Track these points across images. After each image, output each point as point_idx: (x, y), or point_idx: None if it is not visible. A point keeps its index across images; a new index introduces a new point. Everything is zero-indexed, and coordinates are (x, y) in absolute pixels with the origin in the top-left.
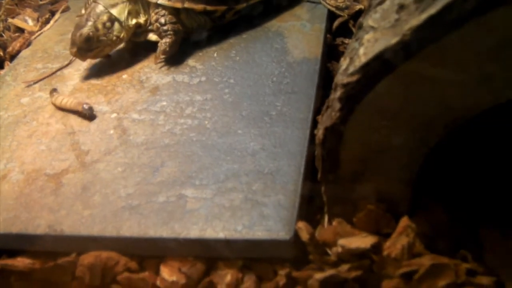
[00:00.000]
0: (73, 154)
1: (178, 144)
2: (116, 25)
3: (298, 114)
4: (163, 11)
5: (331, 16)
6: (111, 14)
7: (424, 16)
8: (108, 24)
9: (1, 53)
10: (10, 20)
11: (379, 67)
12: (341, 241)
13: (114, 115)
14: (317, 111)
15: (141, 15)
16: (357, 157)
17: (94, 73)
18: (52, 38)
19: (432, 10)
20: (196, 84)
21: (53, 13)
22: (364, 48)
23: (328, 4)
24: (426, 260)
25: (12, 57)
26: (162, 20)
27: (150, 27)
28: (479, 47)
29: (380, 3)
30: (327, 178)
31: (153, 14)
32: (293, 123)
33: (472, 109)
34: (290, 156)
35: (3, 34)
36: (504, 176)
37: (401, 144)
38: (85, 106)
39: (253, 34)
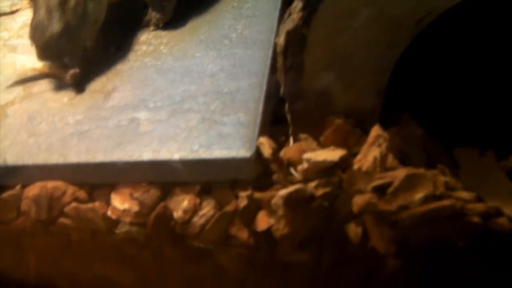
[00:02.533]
0: (20, 87)
1: (132, 69)
2: (93, 5)
3: (260, 36)
4: None
5: None
6: None
7: None
8: (81, 7)
9: None
10: None
11: None
12: (307, 155)
13: None
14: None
15: None
16: (322, 66)
17: None
18: None
19: None
20: None
21: None
22: None
23: None
24: (401, 173)
25: None
26: None
27: None
28: None
29: None
30: (291, 91)
31: None
32: (254, 44)
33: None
34: (250, 76)
35: None
36: (483, 89)
37: (368, 47)
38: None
39: None
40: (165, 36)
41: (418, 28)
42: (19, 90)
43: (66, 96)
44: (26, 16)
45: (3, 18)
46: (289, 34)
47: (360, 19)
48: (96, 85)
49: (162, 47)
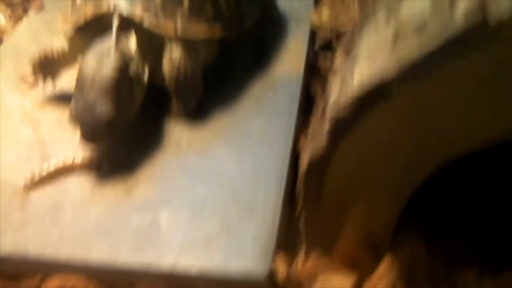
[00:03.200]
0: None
1: (152, 163)
2: (137, 86)
3: (279, 137)
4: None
5: (314, 31)
6: (132, 74)
7: (424, 49)
8: (130, 91)
9: None
10: None
11: (372, 99)
12: (320, 281)
13: None
14: (298, 134)
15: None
16: (342, 190)
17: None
18: (24, 38)
19: (432, 44)
20: None
21: (26, 11)
22: (357, 78)
23: (312, 19)
24: None
25: None
26: (180, 62)
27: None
28: (477, 79)
29: (374, 30)
30: (308, 210)
31: (167, 53)
32: (273, 146)
33: (466, 144)
34: (269, 184)
35: None
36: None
37: (389, 178)
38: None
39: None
40: (186, 128)
41: (436, 166)
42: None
43: (88, 186)
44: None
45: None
46: (312, 160)
47: (381, 154)
48: (118, 177)
49: (183, 140)
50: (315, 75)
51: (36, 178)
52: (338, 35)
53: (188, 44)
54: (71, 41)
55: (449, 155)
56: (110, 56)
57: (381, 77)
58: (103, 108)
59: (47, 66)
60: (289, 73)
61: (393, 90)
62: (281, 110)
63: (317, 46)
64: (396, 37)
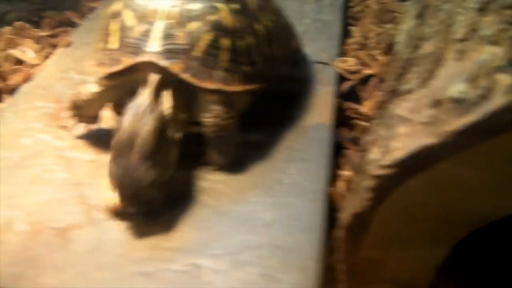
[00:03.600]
0: (81, 208)
1: (190, 208)
2: (174, 144)
3: (311, 185)
4: (217, 104)
5: (339, 79)
6: (170, 136)
7: (464, 121)
8: (168, 149)
9: (1, 85)
10: (10, 51)
11: (413, 164)
12: None
13: None
14: (330, 181)
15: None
16: (380, 243)
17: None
18: (53, 74)
19: (472, 117)
20: None
21: (54, 47)
22: (399, 142)
23: (338, 67)
24: None
25: (12, 90)
26: (219, 115)
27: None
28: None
29: (408, 92)
30: (348, 259)
31: (205, 110)
32: (307, 194)
33: (499, 212)
34: (305, 231)
35: (2, 65)
36: None
37: (426, 236)
38: None
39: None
40: (221, 175)
41: (473, 228)
42: (80, 213)
43: (128, 228)
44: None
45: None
46: (354, 215)
47: (421, 214)
48: (157, 220)
49: (217, 186)
50: (341, 122)
51: None
52: (363, 82)
53: (225, 96)
54: (102, 85)
55: (485, 220)
56: (147, 119)
57: (421, 148)
58: (144, 172)
59: (79, 109)
60: (318, 120)
61: (433, 161)
62: (312, 158)
63: (342, 93)
64: (435, 104)
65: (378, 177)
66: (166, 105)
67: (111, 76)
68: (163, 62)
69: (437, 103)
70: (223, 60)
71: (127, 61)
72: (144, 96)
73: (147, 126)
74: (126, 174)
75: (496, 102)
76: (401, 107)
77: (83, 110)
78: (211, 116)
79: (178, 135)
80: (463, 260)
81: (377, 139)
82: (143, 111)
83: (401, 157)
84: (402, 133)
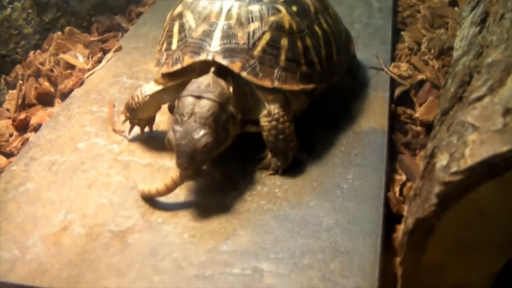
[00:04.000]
0: (138, 212)
1: (249, 212)
2: (232, 123)
3: (370, 190)
4: (275, 105)
5: (392, 83)
6: (227, 111)
7: None
8: (226, 125)
9: (52, 90)
10: (61, 55)
11: (484, 171)
12: None
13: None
14: (387, 186)
15: (243, 100)
16: (443, 249)
17: (157, 127)
18: (105, 79)
19: None
20: None
21: (104, 52)
22: (470, 149)
23: (391, 72)
24: None
25: (64, 95)
26: (278, 117)
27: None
28: None
29: (477, 99)
30: (408, 265)
31: (265, 109)
32: (365, 199)
33: None
34: (365, 235)
35: (54, 70)
36: None
37: (491, 242)
38: None
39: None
40: (279, 179)
41: None
42: (137, 216)
43: (186, 232)
44: (135, 131)
45: (110, 128)
46: (418, 221)
47: (489, 220)
48: (215, 223)
49: (276, 190)
50: (395, 127)
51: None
52: (416, 88)
53: (283, 96)
54: (161, 84)
55: None
56: (208, 92)
57: (493, 156)
58: (201, 135)
59: (134, 112)
60: (373, 125)
61: (504, 169)
62: (369, 163)
63: (396, 98)
64: (506, 112)
65: (447, 183)
66: (227, 87)
67: (172, 75)
68: (223, 61)
69: (509, 112)
70: (282, 60)
71: (188, 60)
72: (205, 76)
73: (208, 95)
74: (184, 137)
75: None
76: (471, 115)
77: (138, 113)
78: (269, 118)
79: (236, 115)
80: None
81: (445, 146)
82: (205, 86)
83: (472, 164)
84: (473, 140)
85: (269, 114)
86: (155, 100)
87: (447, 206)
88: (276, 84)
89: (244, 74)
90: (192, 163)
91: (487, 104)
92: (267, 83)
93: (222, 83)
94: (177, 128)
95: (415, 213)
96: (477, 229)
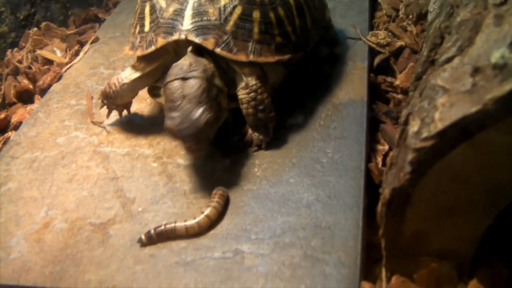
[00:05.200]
0: (118, 202)
1: (229, 194)
2: (222, 96)
3: (350, 162)
4: (252, 78)
5: (371, 52)
6: (215, 85)
7: (507, 87)
8: (218, 98)
9: (31, 87)
10: (38, 51)
11: (455, 134)
12: None
13: (158, 159)
14: (368, 157)
15: (225, 75)
16: (422, 217)
17: (134, 115)
18: (83, 71)
19: None
20: None
21: (82, 44)
22: (440, 112)
23: (369, 40)
24: None
25: (43, 91)
26: (257, 90)
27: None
28: None
29: (447, 61)
30: (389, 235)
31: (243, 82)
32: (346, 172)
33: None
34: (346, 209)
35: (32, 66)
36: None
37: (469, 206)
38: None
39: (294, 74)
40: (257, 156)
41: None
42: (118, 207)
43: (166, 219)
44: (113, 120)
45: (89, 120)
46: (394, 190)
47: (464, 184)
48: (195, 208)
49: (255, 169)
50: (375, 96)
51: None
52: (396, 55)
53: (259, 69)
54: (137, 70)
55: None
56: (193, 71)
57: (462, 118)
58: (200, 113)
59: (111, 99)
60: (352, 96)
61: (476, 130)
62: (348, 135)
63: (375, 66)
64: (475, 72)
65: (419, 150)
66: (208, 64)
67: (148, 59)
68: (196, 39)
69: (477, 71)
70: (255, 33)
71: (162, 41)
72: (185, 58)
73: (193, 74)
74: (183, 121)
75: None
76: (441, 77)
77: (116, 100)
78: (247, 90)
79: (223, 88)
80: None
81: (417, 111)
82: (188, 66)
83: (442, 128)
84: (442, 104)
85: (247, 86)
86: (132, 87)
87: (421, 173)
88: (251, 57)
89: (218, 50)
90: (200, 142)
91: (457, 65)
92: (242, 58)
93: (203, 60)
94: (173, 114)
95: (391, 183)
96: (454, 194)
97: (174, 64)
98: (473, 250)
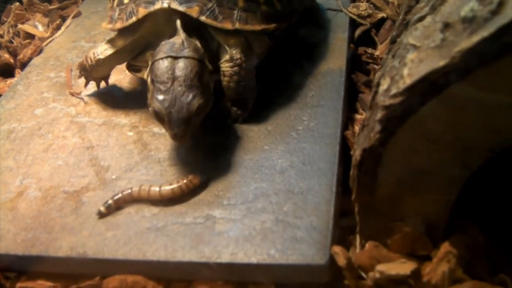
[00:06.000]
0: (93, 170)
1: (202, 161)
2: (211, 80)
3: (326, 129)
4: (237, 49)
5: (353, 24)
6: (206, 66)
7: (475, 38)
8: (209, 81)
9: (12, 61)
10: (20, 26)
11: (424, 89)
12: (380, 267)
13: (133, 128)
14: (345, 125)
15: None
16: (395, 179)
17: (112, 87)
18: (64, 45)
19: (484, 33)
20: None
21: (64, 19)
22: (408, 68)
23: (350, 12)
24: (467, 287)
25: (23, 64)
26: (239, 62)
27: None
28: None
29: (419, 20)
30: (362, 199)
31: (227, 54)
32: (321, 139)
33: None
34: (320, 175)
35: (13, 41)
36: None
37: (442, 167)
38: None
39: (275, 45)
40: (233, 126)
41: (490, 154)
42: (92, 175)
43: (140, 186)
44: (91, 92)
45: (67, 92)
46: (365, 151)
47: (436, 143)
48: (169, 175)
49: (230, 137)
50: (355, 67)
51: (113, 204)
52: (377, 27)
53: (244, 39)
54: (116, 46)
55: (499, 144)
56: (185, 51)
57: (430, 72)
58: (192, 97)
59: (88, 72)
60: (332, 66)
61: (444, 85)
62: (326, 103)
63: (356, 37)
64: (445, 27)
65: (388, 107)
66: (197, 43)
67: (125, 33)
68: (180, 7)
69: (448, 26)
70: (241, 0)
71: (143, 11)
72: (176, 36)
73: (186, 53)
74: (174, 104)
75: (509, 15)
76: (412, 36)
77: (92, 73)
78: (231, 64)
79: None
80: (485, 201)
81: (388, 71)
82: (180, 45)
83: (411, 83)
84: (412, 60)
85: (231, 59)
86: (108, 62)
87: (391, 132)
88: (237, 25)
89: (203, 18)
90: (188, 128)
91: (429, 23)
92: (227, 25)
93: (194, 40)
94: (162, 97)
95: (362, 144)
96: (426, 154)
97: (164, 42)
98: (447, 214)
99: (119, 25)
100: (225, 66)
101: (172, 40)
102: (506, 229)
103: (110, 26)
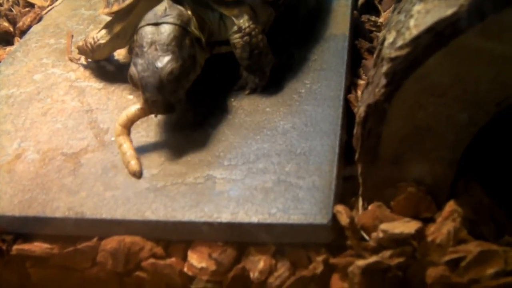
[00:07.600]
0: (92, 133)
1: (202, 123)
2: (198, 47)
3: (329, 92)
4: (243, 19)
5: None
6: (191, 34)
7: None
8: (192, 50)
9: (11, 29)
10: None
11: (431, 40)
12: (383, 226)
13: (133, 92)
14: (348, 89)
15: (206, 23)
16: (400, 136)
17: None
18: (64, 13)
19: None
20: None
21: None
22: (415, 19)
23: None
24: (473, 247)
25: (23, 32)
26: (248, 31)
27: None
28: None
29: None
30: (366, 159)
31: (235, 25)
32: (324, 101)
33: None
34: (323, 136)
35: (13, 9)
36: None
37: (448, 123)
38: None
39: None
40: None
41: (497, 109)
42: (91, 137)
43: (139, 147)
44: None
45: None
46: (369, 107)
47: (442, 97)
48: (169, 136)
49: (232, 99)
50: (359, 35)
51: None
52: None
53: (249, 8)
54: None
55: (507, 98)
56: (167, 15)
57: (437, 21)
58: (166, 61)
59: (88, 54)
60: (335, 31)
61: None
62: (328, 66)
63: (359, 5)
64: None
65: (394, 59)
66: (185, 11)
67: (122, 16)
68: None
69: None
70: None
71: None
72: (160, 4)
73: (167, 19)
74: (146, 68)
75: None
76: None
77: (92, 56)
78: (240, 34)
79: (201, 37)
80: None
81: (393, 25)
82: (162, 12)
83: (417, 33)
84: (418, 11)
85: (240, 29)
86: (109, 46)
87: (397, 85)
88: None
89: None
90: (161, 94)
91: None
92: None
93: (179, 6)
94: (138, 60)
95: (366, 100)
96: (432, 109)
97: (149, 11)
98: (452, 173)
99: (115, 7)
100: (235, 38)
101: (155, 8)
102: (510, 192)
103: (107, 10)
